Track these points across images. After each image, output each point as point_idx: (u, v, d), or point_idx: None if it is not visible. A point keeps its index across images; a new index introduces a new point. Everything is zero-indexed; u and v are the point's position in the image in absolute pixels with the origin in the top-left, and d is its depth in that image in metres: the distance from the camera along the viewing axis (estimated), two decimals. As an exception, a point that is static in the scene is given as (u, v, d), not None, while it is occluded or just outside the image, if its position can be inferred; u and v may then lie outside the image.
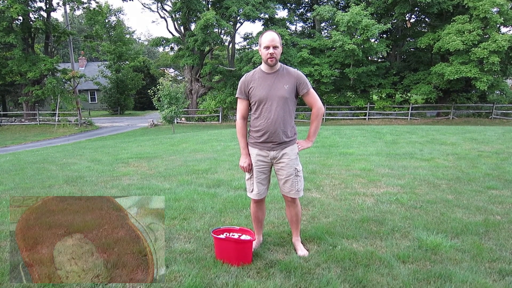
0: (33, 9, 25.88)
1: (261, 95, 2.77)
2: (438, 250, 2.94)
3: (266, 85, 2.77)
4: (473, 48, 20.64)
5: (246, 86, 2.83)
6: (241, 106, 2.89)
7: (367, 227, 3.46)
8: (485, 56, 20.14)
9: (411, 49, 27.97)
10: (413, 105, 26.47)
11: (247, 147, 2.92)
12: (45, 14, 26.68)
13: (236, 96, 2.93)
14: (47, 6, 26.55)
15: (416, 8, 25.02)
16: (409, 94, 27.72)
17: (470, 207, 3.96)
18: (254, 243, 3.06)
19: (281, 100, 2.75)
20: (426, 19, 26.92)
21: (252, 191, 2.96)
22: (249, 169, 2.90)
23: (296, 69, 2.88)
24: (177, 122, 25.68)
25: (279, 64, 2.80)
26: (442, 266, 2.71)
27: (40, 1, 26.44)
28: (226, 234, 2.94)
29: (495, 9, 20.93)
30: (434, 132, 11.00)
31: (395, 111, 26.45)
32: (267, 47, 2.70)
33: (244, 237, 2.92)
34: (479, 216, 3.70)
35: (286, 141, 2.83)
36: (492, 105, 25.77)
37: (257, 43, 21.08)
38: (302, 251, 2.95)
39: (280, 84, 2.76)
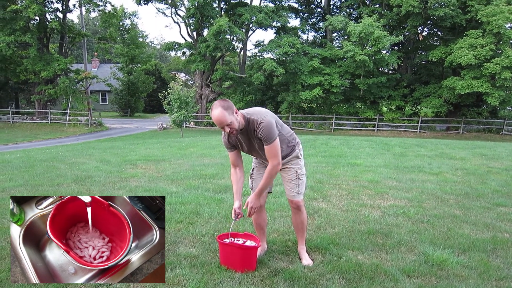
0: (50, 9, 26.33)
1: (244, 149, 2.87)
2: (445, 265, 2.91)
3: (244, 141, 2.79)
4: (485, 63, 20.51)
5: (228, 143, 2.86)
6: (231, 156, 2.92)
7: (373, 239, 3.44)
8: (497, 72, 19.99)
9: (423, 62, 27.87)
10: (422, 118, 26.33)
11: (238, 194, 2.87)
12: (61, 15, 27.13)
13: (227, 150, 2.95)
14: (64, 7, 27.01)
15: (428, 21, 24.98)
16: (419, 107, 27.58)
17: (478, 223, 3.92)
18: (259, 250, 3.06)
19: (262, 150, 2.76)
20: (439, 33, 26.85)
21: (252, 188, 3.05)
22: (236, 213, 2.82)
23: (262, 115, 2.64)
24: (186, 126, 25.81)
25: (242, 121, 2.64)
26: (448, 282, 2.68)
27: (57, 2, 27.00)
28: (231, 240, 2.95)
29: (509, 25, 20.83)
30: (444, 146, 10.92)
31: (404, 123, 26.32)
32: (222, 128, 2.59)
33: (249, 243, 2.93)
34: (487, 233, 3.66)
35: (283, 156, 2.86)
36: (503, 121, 25.53)
37: (269, 51, 20.99)
38: (307, 260, 2.94)
39: (254, 138, 2.74)
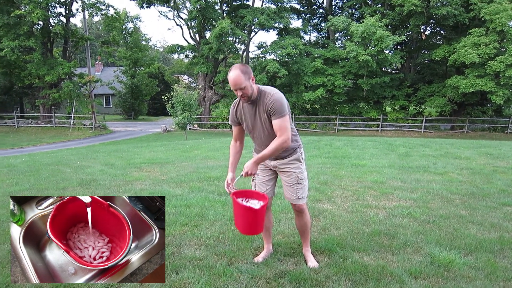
0: (53, 14, 26.54)
1: (248, 125, 2.83)
2: (451, 266, 2.90)
3: (250, 115, 2.78)
4: (489, 62, 20.42)
5: (234, 115, 2.89)
6: (234, 131, 2.97)
7: (379, 240, 3.42)
8: (501, 70, 19.90)
9: (426, 61, 27.80)
10: (426, 118, 26.23)
11: (233, 166, 2.91)
12: (64, 20, 27.32)
13: (230, 123, 3.00)
14: (67, 12, 27.19)
15: (431, 21, 24.91)
16: (423, 107, 27.50)
17: (484, 223, 3.89)
18: (264, 253, 3.06)
19: (266, 127, 2.74)
20: (442, 31, 26.78)
21: None
22: (228, 185, 2.81)
23: (276, 91, 2.69)
24: (189, 129, 25.86)
25: (256, 91, 2.68)
26: (455, 283, 2.67)
27: (60, 7, 27.10)
28: (243, 199, 2.79)
29: (513, 23, 20.73)
30: (448, 145, 10.86)
31: (408, 123, 26.23)
32: (235, 90, 2.64)
33: (254, 202, 2.73)
34: (494, 233, 3.63)
35: (284, 155, 2.85)
36: (508, 119, 25.39)
37: (271, 52, 21.06)
38: (312, 262, 2.94)
39: (261, 113, 2.72)
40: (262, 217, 2.62)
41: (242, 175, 2.71)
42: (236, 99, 2.89)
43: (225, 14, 27.79)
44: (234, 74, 2.55)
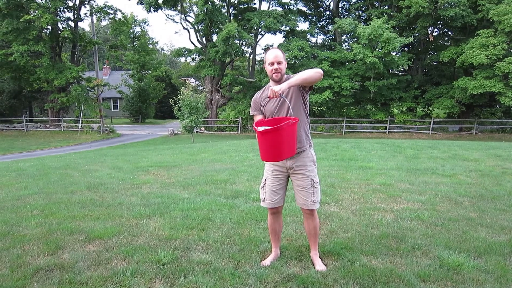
0: (61, 19, 26.87)
1: (272, 109, 2.86)
2: (460, 270, 2.87)
3: (275, 99, 2.82)
4: (497, 63, 20.23)
5: (257, 103, 2.94)
6: (256, 120, 2.96)
7: (387, 243, 3.40)
8: (510, 71, 19.70)
9: (433, 63, 27.62)
10: (434, 119, 26.03)
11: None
12: (72, 24, 27.64)
13: (251, 114, 3.02)
14: (75, 16, 27.50)
15: (438, 22, 24.77)
16: (430, 108, 27.29)
17: (494, 226, 3.85)
18: (272, 256, 3.05)
19: (293, 102, 2.80)
20: (449, 33, 26.61)
21: (264, 200, 3.00)
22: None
23: None
24: (196, 132, 25.94)
25: (284, 77, 2.84)
26: (464, 286, 2.64)
27: (69, 12, 27.42)
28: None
29: (521, 24, 20.51)
30: (457, 147, 10.76)
31: (416, 125, 26.05)
32: (272, 63, 2.79)
33: None
34: (504, 236, 3.59)
35: (300, 147, 2.84)
36: (517, 121, 25.10)
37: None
38: (320, 266, 2.92)
39: (287, 94, 2.80)
40: (290, 137, 2.53)
41: (269, 96, 2.62)
42: (260, 90, 2.98)
43: (232, 17, 27.88)
44: (275, 50, 2.84)
